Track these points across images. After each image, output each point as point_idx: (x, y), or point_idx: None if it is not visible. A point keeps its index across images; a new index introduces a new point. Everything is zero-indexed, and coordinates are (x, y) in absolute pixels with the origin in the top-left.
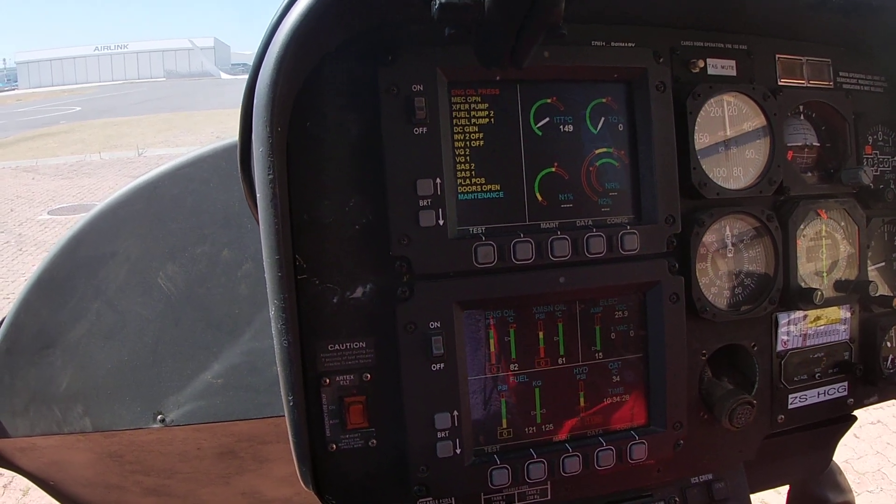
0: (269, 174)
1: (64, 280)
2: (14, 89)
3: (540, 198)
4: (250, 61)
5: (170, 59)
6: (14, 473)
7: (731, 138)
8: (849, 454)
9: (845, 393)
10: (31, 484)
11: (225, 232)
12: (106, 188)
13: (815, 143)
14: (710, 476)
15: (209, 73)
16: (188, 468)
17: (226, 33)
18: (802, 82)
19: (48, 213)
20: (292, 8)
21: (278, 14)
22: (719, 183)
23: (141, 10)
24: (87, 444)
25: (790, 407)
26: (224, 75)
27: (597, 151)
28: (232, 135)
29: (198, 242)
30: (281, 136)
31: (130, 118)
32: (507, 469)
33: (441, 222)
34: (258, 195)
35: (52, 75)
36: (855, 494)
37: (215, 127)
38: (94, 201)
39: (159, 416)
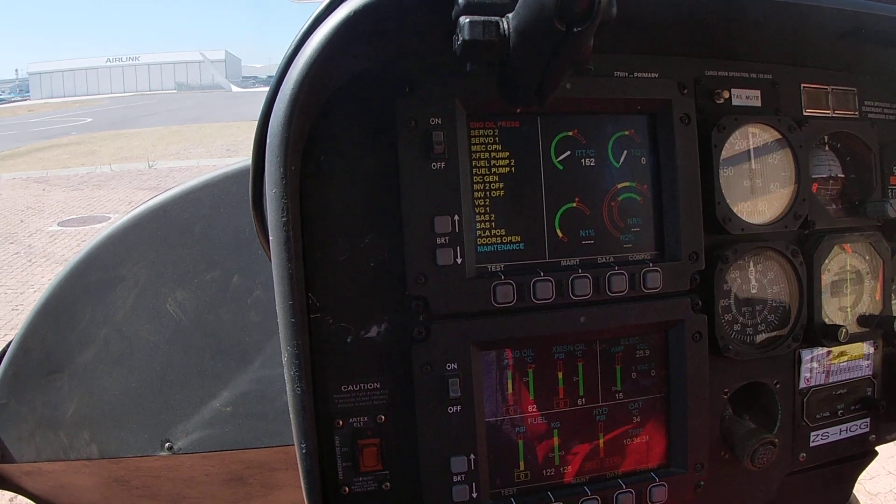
0: (282, 217)
1: (71, 305)
2: (26, 100)
3: (560, 234)
4: (261, 74)
5: (181, 71)
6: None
7: (755, 171)
8: (861, 474)
9: (867, 429)
10: None
11: (235, 258)
12: (116, 200)
13: (839, 175)
14: None
15: (220, 85)
16: (196, 493)
17: (237, 46)
18: (828, 112)
19: (58, 224)
20: (308, 41)
21: (293, 47)
22: (743, 218)
23: (153, 22)
24: (93, 469)
25: (812, 445)
26: (235, 88)
27: (619, 186)
28: (242, 148)
29: (207, 268)
30: (294, 175)
31: (141, 130)
32: None
33: (459, 261)
34: (271, 238)
35: (63, 86)
36: None
37: (226, 139)
38: (104, 213)
39: (167, 444)
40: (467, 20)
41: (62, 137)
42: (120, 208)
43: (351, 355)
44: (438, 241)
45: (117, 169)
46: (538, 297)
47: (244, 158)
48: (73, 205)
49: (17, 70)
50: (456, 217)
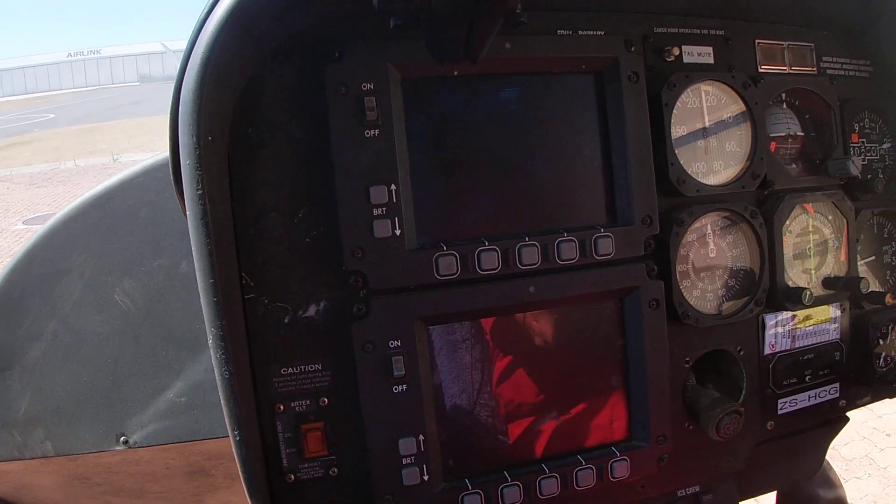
0: (197, 189)
1: (17, 300)
2: None
3: (505, 200)
4: None
5: (143, 62)
6: None
7: (710, 130)
8: (835, 440)
9: (837, 395)
10: None
11: (182, 243)
12: (80, 195)
13: (798, 133)
14: (697, 488)
15: None
16: (158, 487)
17: None
18: (784, 68)
19: (23, 222)
20: (217, 4)
21: (205, 11)
22: (699, 179)
23: (113, 14)
24: (51, 467)
25: (780, 412)
26: None
27: (566, 148)
28: None
29: (154, 255)
30: (214, 146)
31: (105, 124)
32: (480, 494)
33: (398, 232)
34: (188, 213)
35: (25, 83)
36: (843, 481)
37: None
38: None
39: (122, 438)
40: None
41: (25, 135)
42: None
43: (289, 336)
44: (375, 212)
45: (82, 164)
46: (483, 267)
47: None
48: (38, 202)
49: None
50: (393, 187)
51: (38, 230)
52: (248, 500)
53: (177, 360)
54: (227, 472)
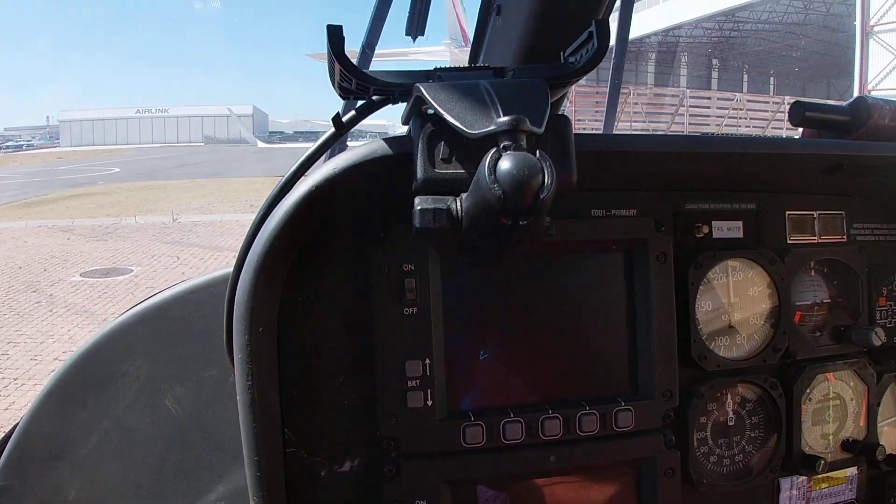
0: (247, 380)
1: (75, 394)
2: (56, 146)
3: (532, 373)
4: (287, 130)
5: (209, 124)
6: None
7: (734, 304)
8: None
9: None
10: None
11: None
12: (139, 252)
13: (825, 300)
14: None
15: (246, 140)
16: None
17: (265, 102)
18: (814, 239)
19: (80, 274)
20: (273, 213)
21: (257, 220)
22: (720, 353)
23: (183, 77)
24: None
25: None
26: (260, 143)
27: (593, 322)
28: None
29: (206, 366)
30: (265, 336)
31: (167, 182)
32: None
33: (429, 403)
34: (239, 408)
35: (93, 135)
36: None
37: (250, 196)
38: (127, 265)
39: None
40: (418, 208)
41: (89, 186)
42: (143, 261)
43: (325, 489)
44: (409, 384)
45: (142, 221)
46: (507, 437)
47: None
48: (97, 255)
49: (48, 117)
50: (427, 361)
51: (98, 331)
52: None
53: (220, 464)
54: None
